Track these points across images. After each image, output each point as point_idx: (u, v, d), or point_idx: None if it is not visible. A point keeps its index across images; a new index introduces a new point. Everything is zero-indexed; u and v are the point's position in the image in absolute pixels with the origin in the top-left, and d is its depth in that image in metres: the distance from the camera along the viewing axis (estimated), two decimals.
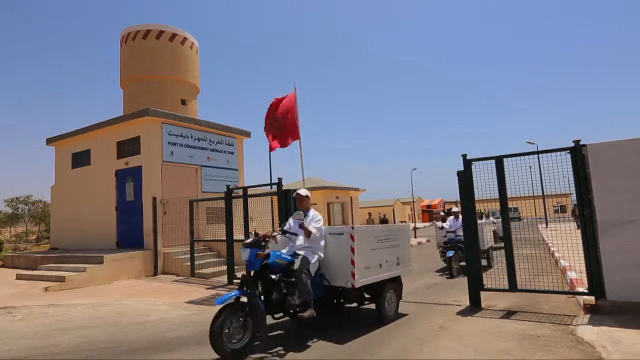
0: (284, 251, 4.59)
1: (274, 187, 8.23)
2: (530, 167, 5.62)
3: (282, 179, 8.09)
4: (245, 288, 4.01)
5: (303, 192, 4.89)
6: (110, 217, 11.09)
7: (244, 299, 3.90)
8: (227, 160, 12.67)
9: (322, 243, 4.71)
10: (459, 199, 5.93)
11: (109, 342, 4.46)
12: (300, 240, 4.64)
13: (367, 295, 5.05)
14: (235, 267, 8.52)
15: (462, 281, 6.71)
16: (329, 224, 14.62)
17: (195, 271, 9.27)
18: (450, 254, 8.36)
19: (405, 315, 5.27)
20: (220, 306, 3.72)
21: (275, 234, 4.67)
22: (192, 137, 11.61)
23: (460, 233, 7.84)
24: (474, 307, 5.40)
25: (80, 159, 12.44)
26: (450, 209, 10.39)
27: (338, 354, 3.86)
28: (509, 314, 5.04)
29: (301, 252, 4.49)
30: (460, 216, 8.00)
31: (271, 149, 8.80)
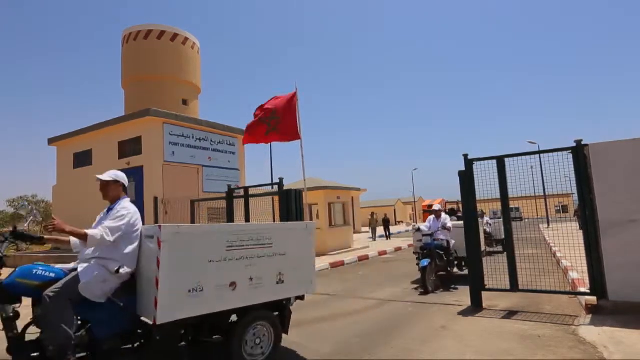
0: (62, 265, 3.20)
1: (275, 187, 8.24)
2: (531, 167, 5.61)
3: (283, 179, 8.10)
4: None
5: (105, 176, 3.43)
6: None
7: None
8: (229, 161, 12.68)
9: (129, 250, 3.11)
10: (460, 199, 5.94)
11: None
12: (84, 247, 3.16)
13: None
14: None
15: (464, 281, 6.70)
16: (330, 224, 14.62)
17: None
18: (424, 263, 6.79)
19: (404, 315, 5.27)
20: None
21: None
22: (193, 137, 11.64)
23: (442, 237, 7.33)
24: (476, 307, 5.40)
25: (82, 159, 12.49)
26: (453, 208, 10.37)
27: (337, 354, 3.86)
28: (510, 314, 5.03)
29: (84, 265, 3.02)
30: (443, 215, 7.60)
31: (244, 141, 8.89)
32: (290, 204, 7.59)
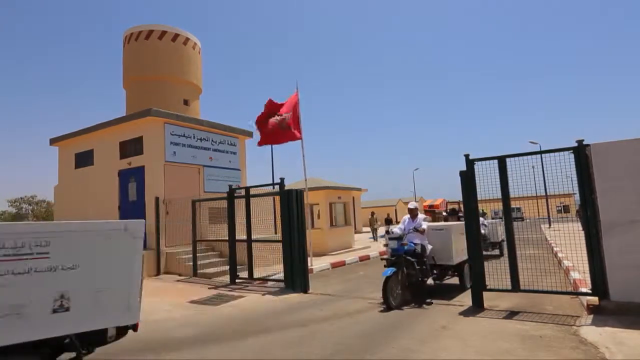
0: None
1: (276, 187, 8.24)
2: (533, 167, 5.60)
3: (284, 179, 8.09)
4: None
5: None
6: (113, 217, 11.12)
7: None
8: (230, 161, 12.69)
9: None
10: (461, 199, 5.93)
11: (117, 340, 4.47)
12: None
13: None
14: (237, 266, 8.53)
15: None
16: (331, 224, 14.62)
17: (198, 271, 9.29)
18: (387, 273, 5.67)
19: (405, 315, 5.26)
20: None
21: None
22: (194, 137, 11.64)
23: (416, 240, 6.27)
24: (477, 307, 5.39)
25: (84, 159, 12.50)
26: (454, 208, 10.27)
27: (338, 354, 3.86)
28: (511, 314, 5.02)
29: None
30: (420, 215, 6.65)
31: (259, 143, 9.12)
32: (292, 204, 7.59)
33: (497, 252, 11.01)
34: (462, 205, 6.28)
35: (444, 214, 35.99)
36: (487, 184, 5.60)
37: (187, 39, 13.57)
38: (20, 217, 25.13)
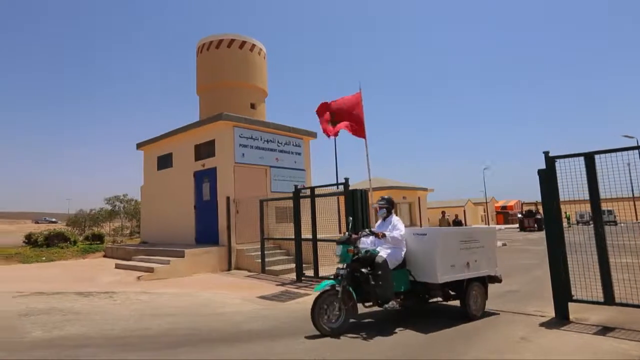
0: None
1: (341, 187, 8.27)
2: (628, 165, 4.95)
3: (348, 179, 8.10)
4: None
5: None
6: (190, 215, 12.01)
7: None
8: (295, 161, 13.01)
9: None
10: (540, 200, 5.44)
11: (192, 330, 4.83)
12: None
13: None
14: (303, 265, 8.72)
15: (545, 289, 5.98)
16: None
17: (266, 268, 9.66)
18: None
19: (475, 324, 4.96)
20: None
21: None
22: (261, 139, 12.13)
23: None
24: (561, 319, 4.90)
25: (164, 162, 13.66)
26: (531, 210, 9.53)
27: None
28: (604, 330, 4.49)
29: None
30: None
31: (329, 133, 9.11)
32: (356, 204, 7.57)
33: None
34: (540, 207, 5.71)
35: (519, 216, 33.49)
36: (571, 184, 5.07)
37: (254, 46, 14.17)
38: (114, 213, 28.13)
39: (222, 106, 12.62)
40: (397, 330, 4.70)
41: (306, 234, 8.84)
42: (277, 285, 8.12)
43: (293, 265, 9.25)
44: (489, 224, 32.54)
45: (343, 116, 9.12)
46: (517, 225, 34.84)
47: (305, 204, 8.90)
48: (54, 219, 68.65)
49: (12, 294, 6.87)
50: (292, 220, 9.15)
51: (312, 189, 8.88)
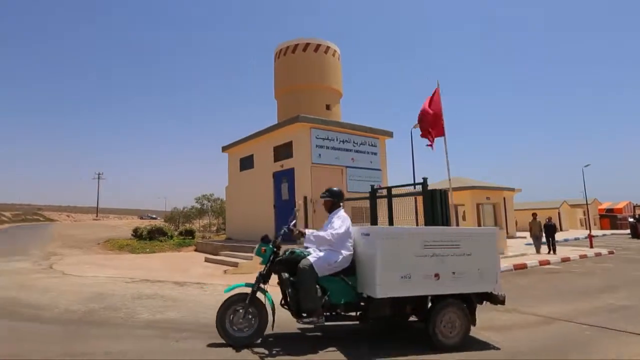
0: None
1: (418, 187, 8.00)
2: None
3: (427, 178, 7.80)
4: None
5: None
6: (270, 213, 12.61)
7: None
8: (371, 161, 12.92)
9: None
10: None
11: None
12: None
13: None
14: None
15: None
16: (479, 226, 13.45)
17: None
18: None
19: (579, 342, 4.41)
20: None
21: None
22: (337, 140, 12.26)
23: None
24: None
25: (246, 163, 14.54)
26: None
27: None
28: None
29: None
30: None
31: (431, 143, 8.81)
32: (435, 205, 7.26)
33: None
34: None
35: (630, 220, 29.02)
36: None
37: (328, 48, 14.39)
38: (202, 212, 30.76)
39: (298, 108, 13.03)
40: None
41: None
42: None
43: None
44: (590, 229, 28.85)
45: (428, 120, 8.90)
46: (626, 231, 30.49)
47: (381, 204, 8.79)
48: (154, 216, 76.98)
49: (125, 279, 8.02)
50: (368, 220, 9.10)
51: (389, 188, 8.74)
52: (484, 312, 5.21)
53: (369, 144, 12.97)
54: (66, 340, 4.11)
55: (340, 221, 4.30)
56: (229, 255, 11.22)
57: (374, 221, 8.81)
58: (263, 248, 4.18)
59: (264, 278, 4.11)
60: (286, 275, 4.08)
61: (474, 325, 4.22)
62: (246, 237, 13.77)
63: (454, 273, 4.09)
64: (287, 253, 4.25)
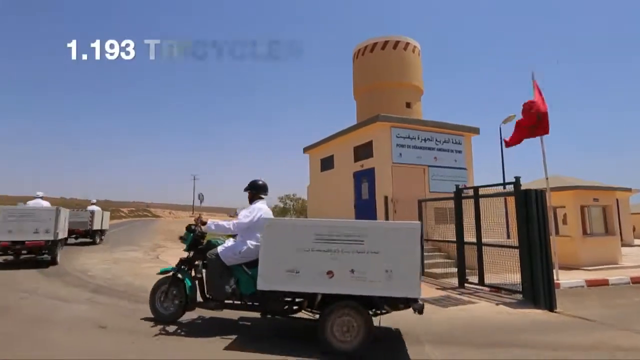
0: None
1: (509, 187, 7.39)
2: None
3: (520, 177, 7.18)
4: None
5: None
6: (350, 213, 12.71)
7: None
8: (455, 160, 12.29)
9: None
10: None
11: None
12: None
13: None
14: (466, 270, 8.17)
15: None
16: (585, 232, 11.95)
17: (425, 270, 9.42)
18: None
19: None
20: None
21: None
22: (418, 139, 11.90)
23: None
24: None
25: (327, 164, 14.85)
26: None
27: None
28: None
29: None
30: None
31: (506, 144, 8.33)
32: (530, 206, 6.65)
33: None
34: None
35: None
36: None
37: (407, 44, 14.01)
38: (285, 210, 32.26)
39: (377, 107, 12.92)
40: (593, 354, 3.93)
41: (467, 236, 8.24)
42: (438, 289, 7.82)
43: (453, 270, 8.74)
44: None
45: (530, 117, 8.36)
46: None
47: (468, 205, 8.31)
48: None
49: None
50: (452, 221, 8.68)
51: (476, 188, 8.22)
52: (599, 332, 4.63)
53: (452, 142, 12.35)
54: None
55: (248, 212, 4.45)
56: None
57: (459, 222, 8.37)
58: (184, 236, 4.66)
59: (186, 262, 4.62)
60: (199, 262, 4.52)
61: (372, 332, 3.75)
62: None
63: (352, 272, 3.69)
64: (205, 243, 4.63)
